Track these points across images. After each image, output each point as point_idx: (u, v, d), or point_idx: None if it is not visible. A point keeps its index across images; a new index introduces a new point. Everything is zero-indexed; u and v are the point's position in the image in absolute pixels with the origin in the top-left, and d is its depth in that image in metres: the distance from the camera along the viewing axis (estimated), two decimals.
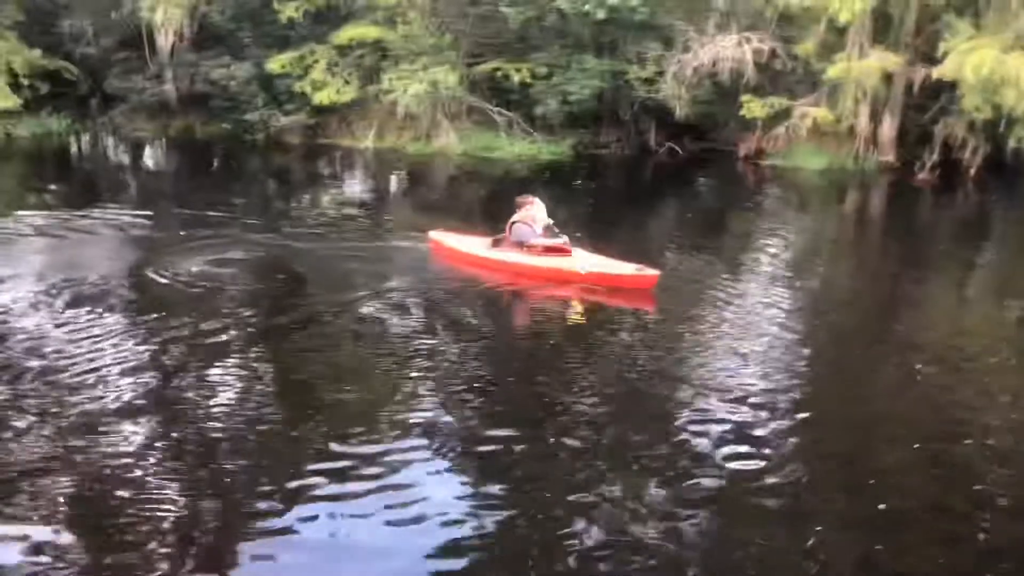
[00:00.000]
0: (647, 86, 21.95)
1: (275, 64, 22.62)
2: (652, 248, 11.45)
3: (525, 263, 9.54)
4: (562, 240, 9.64)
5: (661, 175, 22.24)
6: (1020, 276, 11.84)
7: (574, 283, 9.22)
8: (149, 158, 22.65)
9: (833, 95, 21.41)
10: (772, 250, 12.59)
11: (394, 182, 19.19)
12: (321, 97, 22.13)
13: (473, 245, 10.12)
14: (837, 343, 7.83)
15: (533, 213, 9.75)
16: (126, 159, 22.17)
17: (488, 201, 16.72)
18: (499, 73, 22.32)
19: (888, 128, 22.15)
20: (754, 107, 20.87)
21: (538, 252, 9.54)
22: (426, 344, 7.24)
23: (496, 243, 9.95)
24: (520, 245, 9.58)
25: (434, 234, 10.54)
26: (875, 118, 22.11)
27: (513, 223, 9.76)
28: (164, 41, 23.12)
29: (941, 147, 21.40)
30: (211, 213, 12.75)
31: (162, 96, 23.55)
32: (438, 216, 13.39)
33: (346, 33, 22.13)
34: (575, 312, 8.84)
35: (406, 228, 12.33)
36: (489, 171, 20.87)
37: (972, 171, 21.20)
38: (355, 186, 18.09)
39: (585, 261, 9.42)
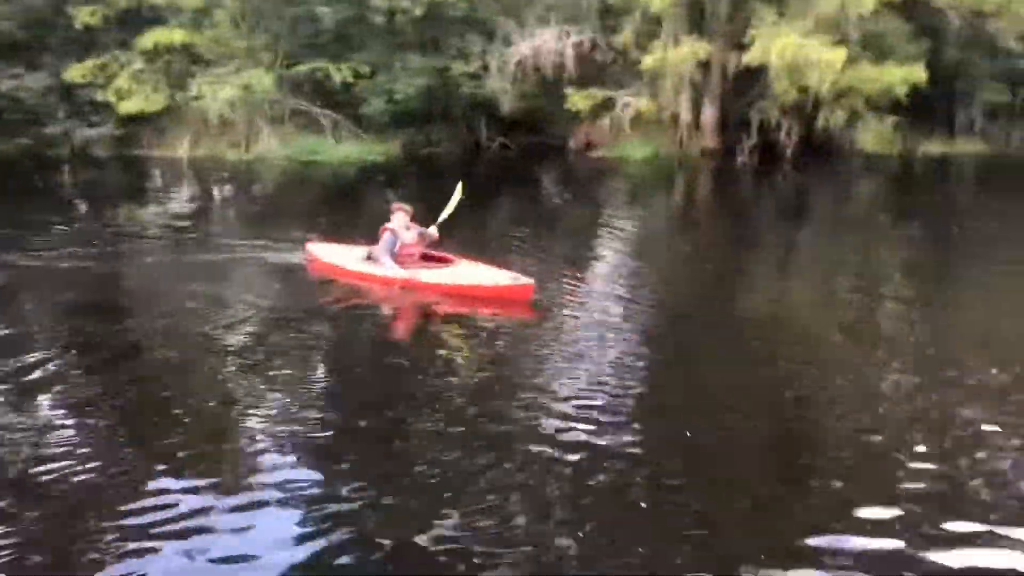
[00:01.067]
0: (472, 82, 21.97)
1: (74, 73, 21.32)
2: (489, 248, 11.08)
3: (394, 276, 8.73)
4: (431, 232, 9.08)
5: (493, 172, 22.25)
6: (834, 250, 12.37)
7: (451, 295, 8.44)
8: None
9: (654, 85, 22.02)
10: (603, 240, 12.60)
11: (215, 192, 18.31)
12: (128, 106, 21.00)
13: (344, 256, 9.34)
14: (676, 324, 7.87)
15: (403, 222, 8.98)
16: None
17: (314, 206, 16.20)
18: (320, 74, 21.75)
19: (709, 115, 23.04)
20: (577, 100, 21.24)
21: (414, 262, 8.89)
22: (271, 365, 6.46)
23: (369, 256, 9.15)
24: (390, 255, 8.85)
25: (309, 245, 9.75)
26: (696, 106, 22.91)
27: (382, 229, 9.00)
28: None
29: (759, 131, 22.37)
30: (17, 233, 11.46)
31: None
32: (265, 226, 12.91)
33: (151, 37, 21.08)
34: (441, 326, 7.98)
35: (231, 238, 11.65)
36: (315, 176, 20.34)
37: (789, 152, 22.27)
38: (172, 198, 17.08)
39: (464, 270, 8.73)
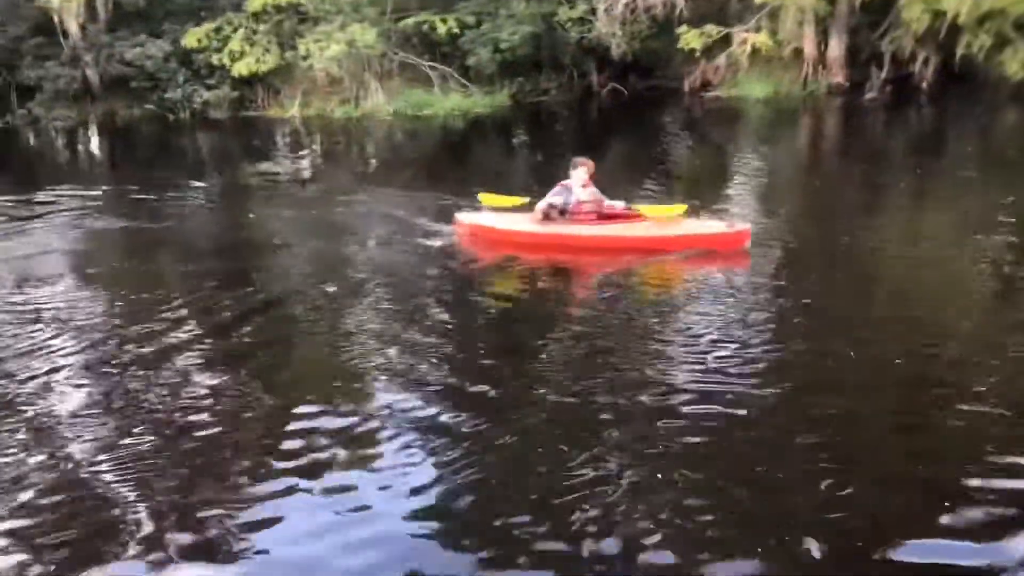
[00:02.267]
0: (581, 26, 21.50)
1: (191, 38, 22.15)
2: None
3: (585, 234, 8.20)
4: (619, 205, 8.37)
5: (605, 118, 21.88)
6: (974, 186, 11.54)
7: (649, 251, 7.91)
8: (76, 144, 22.16)
9: (773, 18, 20.97)
10: (731, 189, 12.20)
11: (317, 151, 18.72)
12: (240, 68, 21.69)
13: (512, 221, 8.69)
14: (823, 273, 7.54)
15: (583, 178, 8.36)
16: (53, 147, 21.68)
17: (431, 162, 16.32)
18: (426, 26, 21.79)
19: (836, 48, 21.83)
20: (690, 38, 20.49)
21: (591, 220, 8.32)
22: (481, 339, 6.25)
23: (547, 216, 8.46)
24: (562, 213, 8.34)
25: (462, 216, 9.04)
26: (822, 39, 21.70)
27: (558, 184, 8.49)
28: (74, 24, 22.56)
29: (891, 63, 20.99)
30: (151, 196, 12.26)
31: (79, 81, 23.04)
32: (377, 181, 13.01)
33: None
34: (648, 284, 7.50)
35: (337, 194, 11.73)
36: (424, 130, 20.47)
37: (924, 85, 20.85)
38: (287, 156, 17.53)
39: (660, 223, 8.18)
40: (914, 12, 18.64)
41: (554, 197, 8.34)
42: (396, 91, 22.37)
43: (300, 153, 17.95)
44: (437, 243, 8.71)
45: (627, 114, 21.91)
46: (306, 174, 15.19)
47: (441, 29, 21.43)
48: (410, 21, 21.91)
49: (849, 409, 4.65)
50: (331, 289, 7.30)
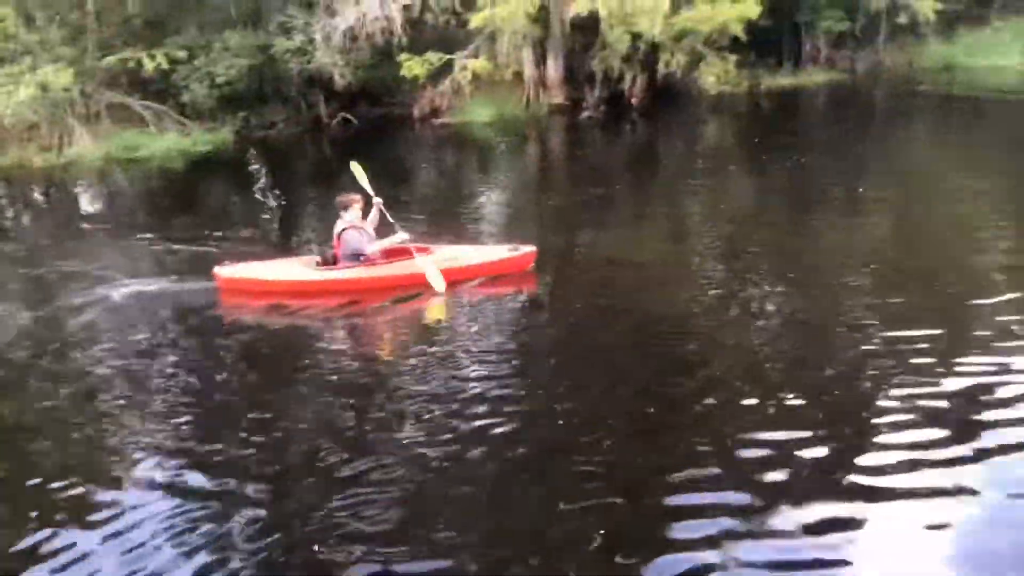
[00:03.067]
0: (300, 57, 21.04)
1: None
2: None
3: (373, 275, 8.16)
4: (402, 237, 8.26)
5: (336, 149, 21.50)
6: (679, 194, 13.18)
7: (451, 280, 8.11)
8: None
9: (492, 44, 21.52)
10: (472, 211, 12.76)
11: (26, 205, 17.04)
12: None
13: (290, 271, 8.38)
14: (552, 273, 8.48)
15: (359, 214, 8.20)
16: None
17: (154, 209, 15.49)
18: (133, 63, 20.52)
19: (554, 70, 22.78)
20: (412, 66, 20.64)
21: (382, 259, 8.31)
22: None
23: (325, 262, 8.30)
24: (356, 258, 8.13)
25: (222, 270, 8.51)
26: (540, 62, 22.55)
27: (342, 232, 8.14)
28: None
29: (604, 82, 22.17)
30: None
31: None
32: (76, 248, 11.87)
33: None
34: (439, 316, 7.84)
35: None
36: (139, 174, 19.18)
37: (635, 101, 22.16)
38: None
39: (452, 252, 8.41)
40: (615, 33, 19.77)
41: (368, 241, 8.18)
42: (106, 134, 20.88)
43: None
44: (196, 300, 8.31)
45: (358, 144, 21.65)
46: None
47: (149, 66, 20.25)
48: (113, 59, 20.53)
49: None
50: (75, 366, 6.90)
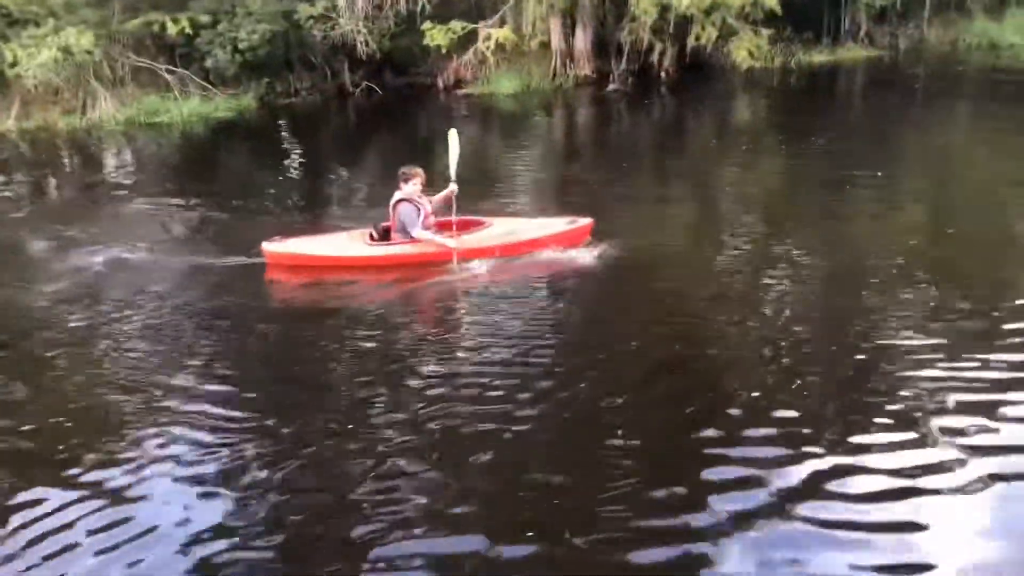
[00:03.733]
0: (324, 24, 20.82)
1: None
2: (352, 212, 11.18)
3: (424, 251, 8.08)
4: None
5: (360, 118, 21.45)
6: (702, 173, 12.84)
7: (509, 255, 8.18)
8: None
9: (518, 13, 21.13)
10: (506, 185, 12.63)
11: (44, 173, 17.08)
12: None
13: (342, 246, 8.27)
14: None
15: (418, 188, 8.04)
16: None
17: (177, 174, 15.54)
18: (156, 27, 20.45)
19: (582, 41, 22.30)
20: (435, 34, 20.34)
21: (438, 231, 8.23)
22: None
23: (377, 236, 8.19)
24: (407, 232, 8.02)
25: (270, 246, 8.31)
26: (569, 33, 22.09)
27: (397, 203, 8.02)
28: None
29: (632, 55, 21.69)
30: None
31: None
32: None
33: None
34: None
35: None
36: (160, 139, 19.19)
37: (664, 75, 21.67)
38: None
39: (508, 226, 8.47)
40: (644, 4, 19.26)
41: (414, 220, 7.99)
42: (130, 98, 20.90)
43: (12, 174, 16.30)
44: (232, 275, 8.20)
45: (382, 114, 21.58)
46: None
47: (172, 29, 20.17)
48: (137, 22, 20.47)
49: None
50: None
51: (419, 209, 8.00)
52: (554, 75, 22.22)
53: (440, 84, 22.47)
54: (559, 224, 8.46)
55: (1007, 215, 9.24)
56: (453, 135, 8.50)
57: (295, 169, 15.35)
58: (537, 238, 8.25)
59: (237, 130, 19.94)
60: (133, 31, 20.80)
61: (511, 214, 9.65)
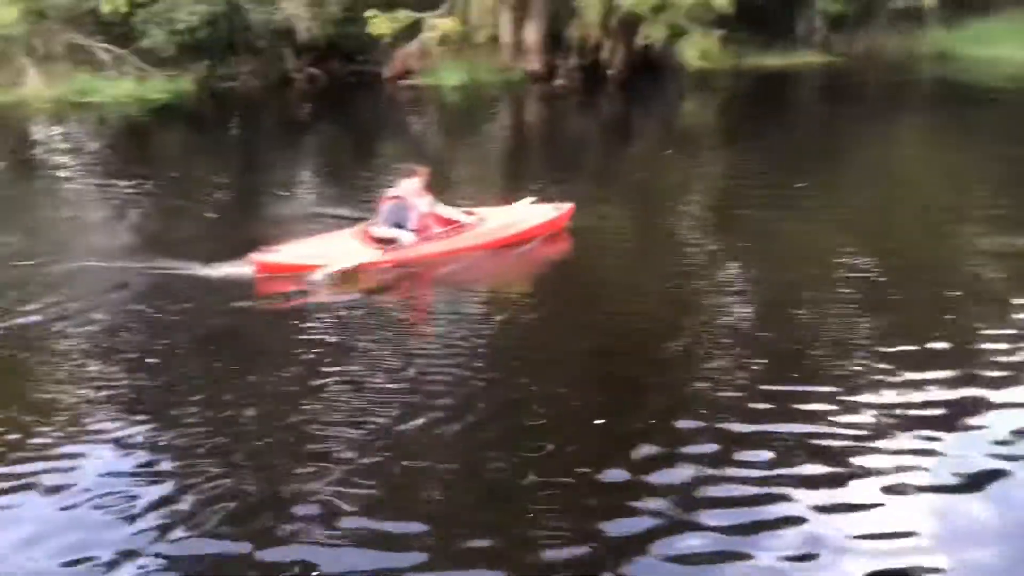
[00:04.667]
0: (265, 7, 20.24)
1: None
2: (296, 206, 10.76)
3: (435, 251, 7.95)
4: (452, 212, 8.16)
5: (299, 105, 20.85)
6: (640, 174, 12.66)
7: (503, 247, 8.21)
8: None
9: (467, 5, 20.68)
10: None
11: None
12: None
13: (344, 253, 7.68)
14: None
15: (416, 187, 7.91)
16: None
17: (76, 161, 14.66)
18: (88, 4, 19.78)
19: (532, 35, 21.86)
20: (379, 23, 19.88)
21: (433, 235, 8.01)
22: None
23: (375, 237, 7.85)
24: (397, 227, 7.84)
25: (263, 256, 7.52)
26: (518, 26, 21.66)
27: (391, 199, 7.97)
28: None
29: (582, 51, 21.36)
30: None
31: None
32: None
33: None
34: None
35: None
36: (86, 119, 18.53)
37: (612, 72, 21.33)
38: None
39: (500, 218, 8.38)
40: (589, 0, 18.90)
41: (401, 218, 7.82)
42: (63, 76, 20.20)
43: None
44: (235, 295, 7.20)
45: (323, 102, 21.04)
46: None
47: (106, 7, 19.50)
48: None
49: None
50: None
51: (410, 208, 7.86)
52: (502, 69, 21.77)
53: (385, 74, 21.92)
54: (549, 210, 8.56)
55: (934, 231, 9.10)
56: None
57: (234, 160, 14.82)
58: (537, 225, 8.36)
59: (173, 114, 19.37)
60: (67, 6, 20.09)
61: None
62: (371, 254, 7.66)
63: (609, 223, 9.56)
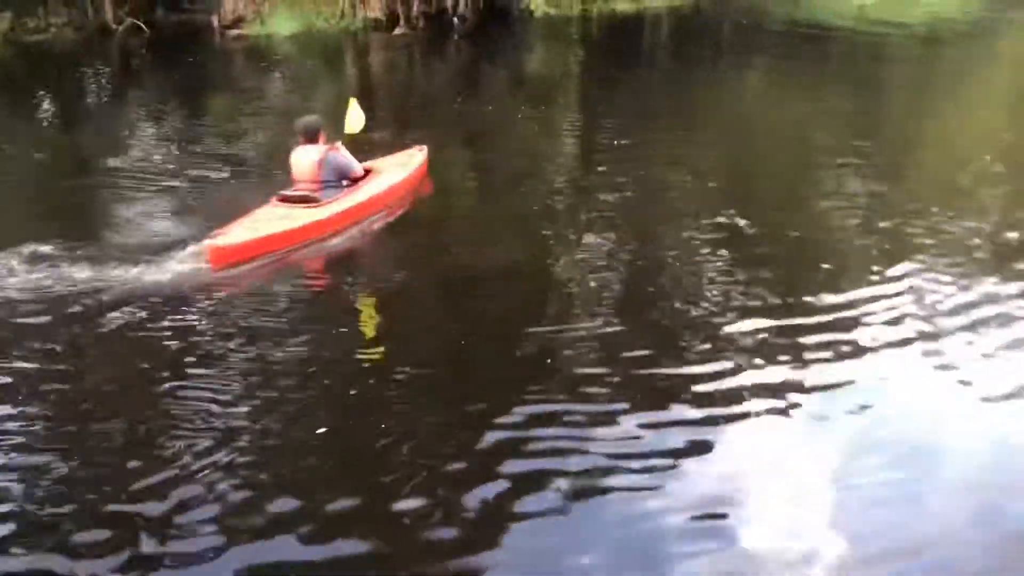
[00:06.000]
0: None
1: None
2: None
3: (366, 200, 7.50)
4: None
5: (120, 61, 19.07)
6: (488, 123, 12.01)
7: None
8: None
9: None
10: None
11: None
12: None
13: (281, 218, 6.93)
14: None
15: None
16: None
17: None
18: None
19: None
20: None
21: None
22: None
23: (294, 198, 7.21)
24: (339, 184, 7.38)
25: (220, 240, 6.41)
26: None
27: (327, 152, 7.32)
28: None
29: None
30: None
31: None
32: None
33: None
34: None
35: None
36: None
37: (457, 21, 20.38)
38: None
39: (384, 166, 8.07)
40: None
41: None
42: None
43: None
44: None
45: (144, 56, 19.29)
46: None
47: None
48: None
49: None
50: None
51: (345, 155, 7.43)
52: (342, 15, 20.47)
53: (215, 23, 20.30)
54: (417, 155, 8.41)
55: (793, 180, 9.02)
56: (353, 107, 8.14)
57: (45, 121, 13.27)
58: (418, 170, 8.25)
59: None
60: None
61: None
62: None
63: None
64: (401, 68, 18.33)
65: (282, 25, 19.94)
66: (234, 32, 19.90)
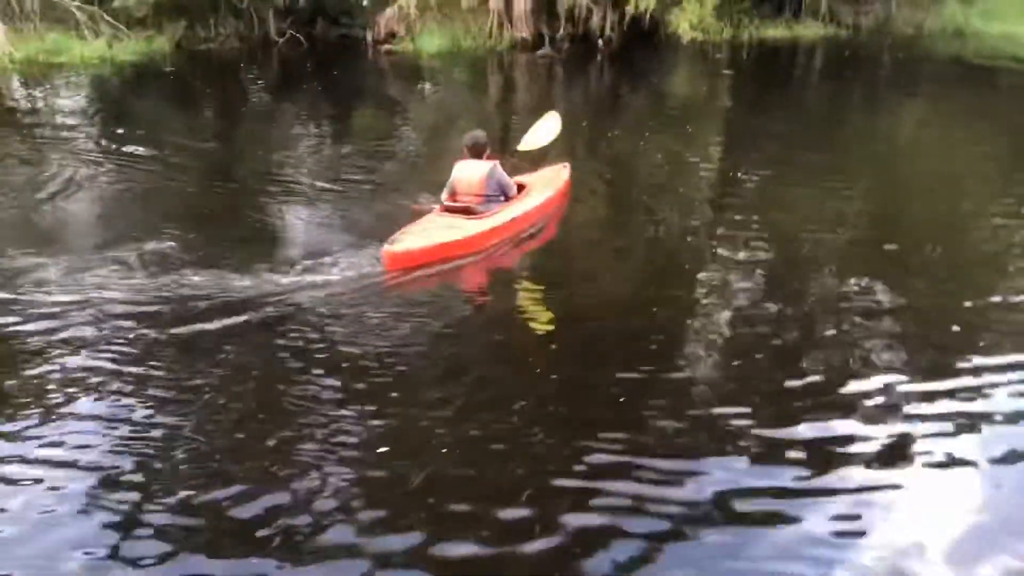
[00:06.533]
0: None
1: None
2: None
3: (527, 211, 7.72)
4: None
5: (280, 70, 19.97)
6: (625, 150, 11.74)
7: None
8: None
9: None
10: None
11: None
12: None
13: (447, 228, 7.11)
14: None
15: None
16: None
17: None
18: None
19: (522, 2, 20.76)
20: None
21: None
22: None
23: (457, 209, 7.35)
24: (498, 198, 7.54)
25: (397, 247, 6.57)
26: None
27: (492, 168, 7.46)
28: None
29: (573, 19, 20.38)
30: None
31: None
32: None
33: None
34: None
35: None
36: (60, 83, 17.76)
37: (602, 43, 20.32)
38: None
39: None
40: None
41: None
42: (36, 35, 19.48)
43: None
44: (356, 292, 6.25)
45: (303, 67, 20.18)
46: None
47: None
48: None
49: None
50: None
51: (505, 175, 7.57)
52: (490, 34, 20.80)
53: (368, 39, 21.01)
54: (562, 173, 8.51)
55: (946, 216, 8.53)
56: (551, 119, 8.66)
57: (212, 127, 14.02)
58: (557, 192, 8.22)
59: (145, 77, 18.54)
60: None
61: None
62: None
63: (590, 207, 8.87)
64: (535, 88, 18.40)
65: (431, 42, 20.44)
66: (386, 47, 20.53)
